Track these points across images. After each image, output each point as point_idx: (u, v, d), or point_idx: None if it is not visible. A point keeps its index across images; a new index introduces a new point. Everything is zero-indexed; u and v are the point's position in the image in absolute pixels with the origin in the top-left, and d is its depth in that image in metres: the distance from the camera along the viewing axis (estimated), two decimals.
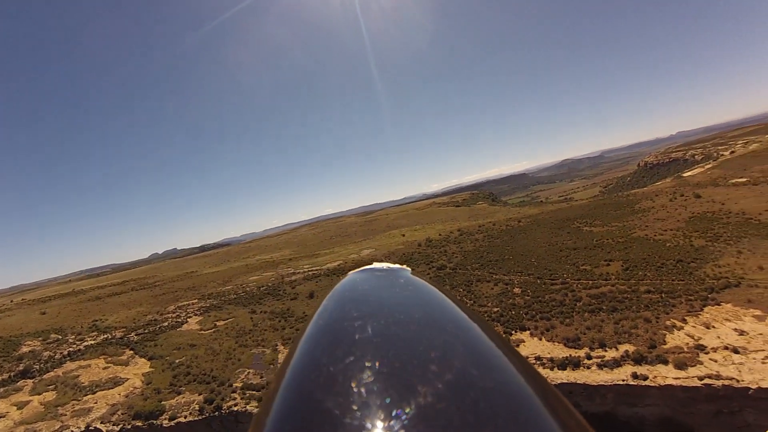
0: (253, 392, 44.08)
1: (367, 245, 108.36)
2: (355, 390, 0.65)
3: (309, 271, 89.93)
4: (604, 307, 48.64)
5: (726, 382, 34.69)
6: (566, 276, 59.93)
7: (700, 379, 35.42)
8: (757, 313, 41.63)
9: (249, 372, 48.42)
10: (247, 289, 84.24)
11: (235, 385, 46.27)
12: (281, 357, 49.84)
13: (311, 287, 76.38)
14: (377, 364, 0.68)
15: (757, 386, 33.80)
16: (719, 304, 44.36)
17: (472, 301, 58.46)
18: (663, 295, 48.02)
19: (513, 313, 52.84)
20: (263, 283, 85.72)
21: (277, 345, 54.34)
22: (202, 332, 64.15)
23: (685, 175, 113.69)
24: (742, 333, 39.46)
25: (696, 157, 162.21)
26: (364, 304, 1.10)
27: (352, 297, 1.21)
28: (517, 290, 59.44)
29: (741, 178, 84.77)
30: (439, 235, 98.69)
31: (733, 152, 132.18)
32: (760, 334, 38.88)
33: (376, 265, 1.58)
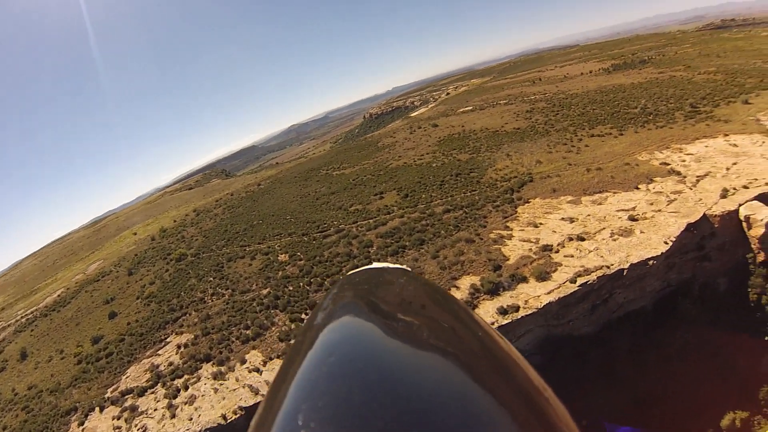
0: None
1: (95, 258, 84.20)
2: (346, 400, 0.70)
3: (23, 317, 62.32)
4: (408, 243, 38.27)
5: (598, 273, 27.76)
6: (338, 223, 48.40)
7: (573, 281, 27.36)
8: (569, 198, 38.23)
9: None
10: None
11: None
12: None
13: (25, 341, 50.05)
14: (370, 376, 0.75)
15: (628, 264, 28.14)
16: (528, 202, 39.69)
17: (230, 290, 40.31)
18: (466, 210, 40.73)
19: (291, 288, 37.48)
20: None
21: None
22: None
23: (412, 115, 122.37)
24: (571, 220, 34.47)
25: (415, 103, 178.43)
26: (361, 308, 1.19)
27: (352, 300, 1.26)
28: (283, 257, 44.49)
29: (466, 107, 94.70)
30: (174, 221, 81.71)
31: (448, 94, 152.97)
32: (588, 215, 34.84)
33: (375, 265, 1.61)
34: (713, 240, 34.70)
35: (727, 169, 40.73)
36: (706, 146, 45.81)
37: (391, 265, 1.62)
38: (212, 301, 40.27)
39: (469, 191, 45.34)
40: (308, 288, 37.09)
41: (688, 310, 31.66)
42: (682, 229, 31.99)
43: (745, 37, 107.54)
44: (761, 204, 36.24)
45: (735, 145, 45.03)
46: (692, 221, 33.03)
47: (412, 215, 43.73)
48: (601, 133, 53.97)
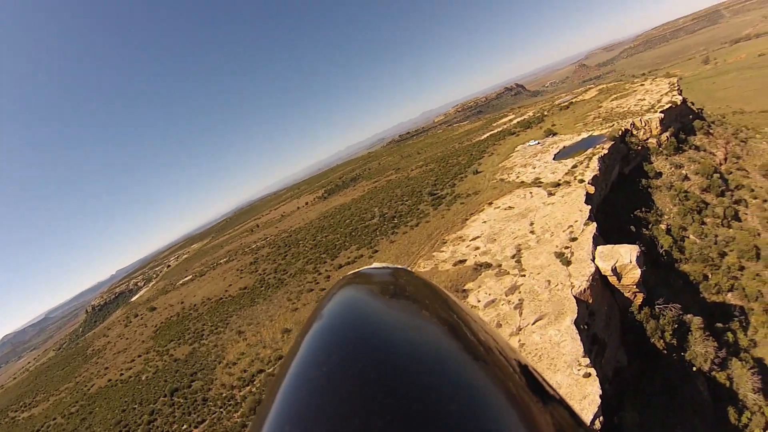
0: None
1: None
2: (348, 399, 0.70)
3: None
4: None
5: None
6: None
7: None
8: None
9: None
10: None
11: None
12: None
13: None
14: (372, 375, 0.75)
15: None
16: None
17: None
18: None
19: None
20: None
21: None
22: None
23: (133, 299, 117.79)
24: None
25: (138, 284, 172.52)
26: (362, 308, 1.19)
27: (352, 300, 1.26)
28: None
29: (186, 277, 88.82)
30: None
31: (169, 266, 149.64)
32: None
33: (375, 264, 1.62)
34: (596, 320, 25.00)
35: (532, 232, 32.91)
36: (484, 222, 38.36)
37: (392, 265, 1.58)
38: None
39: (193, 424, 24.88)
40: None
41: (628, 420, 22.32)
42: (576, 333, 19.03)
43: (429, 137, 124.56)
44: (611, 246, 29.72)
45: (511, 208, 38.77)
46: (575, 317, 20.67)
47: None
48: (350, 259, 45.28)
